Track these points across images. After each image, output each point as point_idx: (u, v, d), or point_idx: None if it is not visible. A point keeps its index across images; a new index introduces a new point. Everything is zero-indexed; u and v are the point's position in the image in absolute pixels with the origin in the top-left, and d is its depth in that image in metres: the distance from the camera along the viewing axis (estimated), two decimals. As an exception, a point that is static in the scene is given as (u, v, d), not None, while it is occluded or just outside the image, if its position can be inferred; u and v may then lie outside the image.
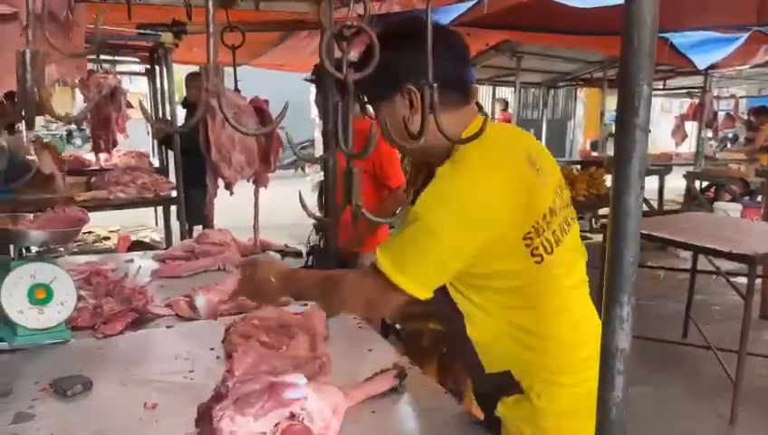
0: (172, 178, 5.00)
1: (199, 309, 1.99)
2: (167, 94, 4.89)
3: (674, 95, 11.09)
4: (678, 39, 5.49)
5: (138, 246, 5.51)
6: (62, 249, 4.91)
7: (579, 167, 7.17)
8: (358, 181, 1.05)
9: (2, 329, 1.76)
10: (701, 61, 5.94)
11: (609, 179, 6.04)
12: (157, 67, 5.54)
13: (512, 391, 1.36)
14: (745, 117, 9.87)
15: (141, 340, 1.85)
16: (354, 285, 1.35)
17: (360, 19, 0.96)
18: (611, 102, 9.14)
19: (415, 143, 1.06)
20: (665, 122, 12.81)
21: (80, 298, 1.92)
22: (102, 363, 1.66)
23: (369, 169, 2.98)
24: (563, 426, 1.34)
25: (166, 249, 3.31)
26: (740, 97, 11.28)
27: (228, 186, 2.70)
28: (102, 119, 5.22)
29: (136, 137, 6.39)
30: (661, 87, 8.72)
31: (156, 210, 6.97)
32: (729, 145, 11.40)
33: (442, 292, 1.32)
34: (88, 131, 6.78)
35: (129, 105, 5.59)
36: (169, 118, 4.51)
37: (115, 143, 5.52)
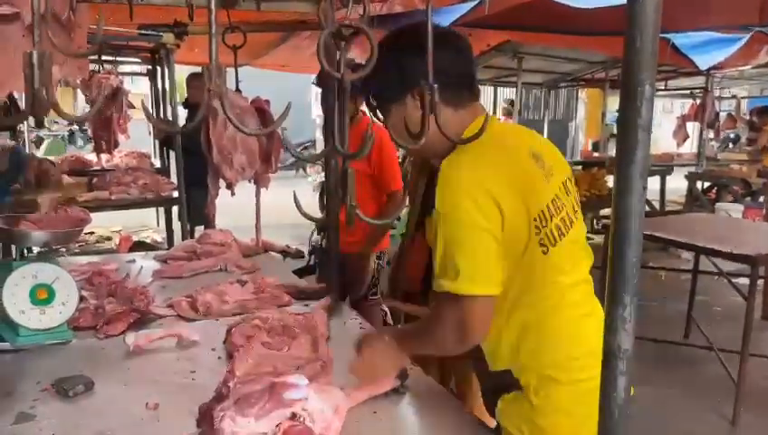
0: (173, 178, 5.01)
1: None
2: (168, 95, 4.90)
3: (675, 96, 11.07)
4: (680, 39, 5.49)
5: (139, 246, 5.52)
6: (63, 250, 4.92)
7: (580, 167, 7.16)
8: (353, 182, 1.05)
9: (4, 329, 1.76)
10: (703, 61, 5.93)
11: (610, 180, 6.05)
12: (158, 68, 5.55)
13: (512, 389, 1.37)
14: (747, 117, 9.85)
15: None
16: (439, 321, 1.34)
17: (359, 19, 0.97)
18: (613, 103, 9.14)
19: (419, 143, 1.08)
20: (666, 123, 12.80)
21: (81, 298, 1.92)
22: (104, 364, 1.66)
23: (369, 171, 2.98)
24: (561, 424, 1.34)
25: (167, 250, 3.31)
26: (741, 97, 11.27)
27: (230, 186, 2.70)
28: (104, 119, 5.24)
29: (137, 137, 6.40)
30: (663, 87, 8.71)
31: (157, 211, 6.98)
32: (731, 146, 11.39)
33: None
34: (90, 132, 6.78)
35: (131, 106, 5.60)
36: (171, 118, 4.52)
37: (117, 144, 5.53)
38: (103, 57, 5.11)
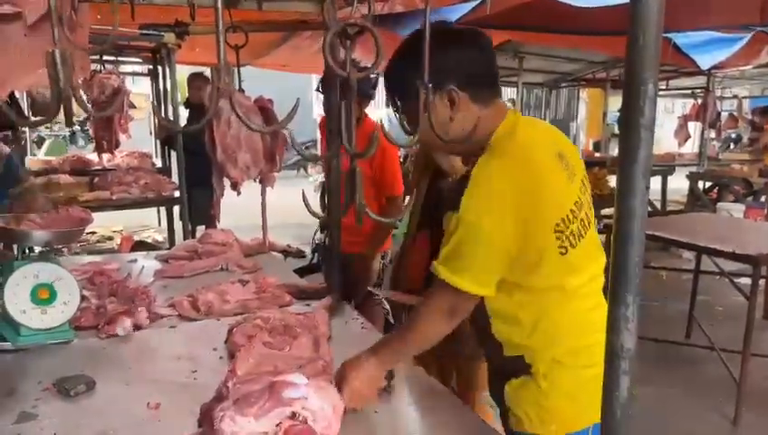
0: (175, 178, 5.01)
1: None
2: (169, 95, 4.90)
3: (677, 95, 11.05)
4: (681, 39, 5.48)
5: (140, 246, 5.52)
6: (65, 249, 4.92)
7: (582, 167, 7.14)
8: (361, 181, 1.05)
9: (5, 329, 1.76)
10: (704, 61, 5.92)
11: (612, 180, 6.03)
12: (159, 67, 5.54)
13: (521, 374, 1.41)
14: (750, 118, 9.83)
15: (144, 340, 1.85)
16: (428, 308, 1.39)
17: (363, 18, 0.96)
18: (614, 103, 9.13)
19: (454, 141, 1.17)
20: (668, 123, 12.77)
21: (83, 298, 1.92)
22: (105, 363, 1.66)
23: (370, 174, 2.98)
24: (566, 408, 1.38)
25: (169, 249, 3.31)
26: (743, 97, 11.25)
27: (235, 186, 2.70)
28: (105, 119, 5.23)
29: (138, 137, 6.41)
30: (664, 87, 8.69)
31: (158, 210, 6.99)
32: (732, 146, 11.37)
33: None
34: (91, 132, 6.78)
35: (132, 106, 5.60)
36: (172, 118, 4.51)
37: (118, 143, 5.53)
38: (104, 57, 5.12)
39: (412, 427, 1.43)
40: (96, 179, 4.94)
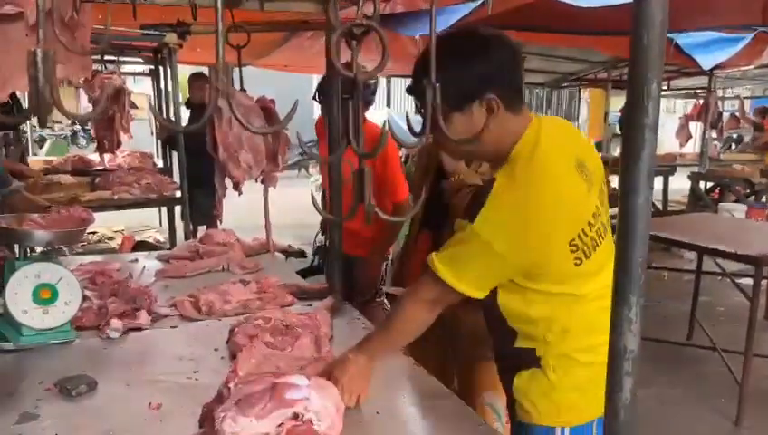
0: (176, 178, 5.01)
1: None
2: (171, 95, 4.89)
3: (678, 96, 11.04)
4: (683, 39, 5.46)
5: (142, 246, 5.52)
6: (66, 249, 4.92)
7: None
8: (370, 181, 1.04)
9: (6, 329, 1.76)
10: (706, 61, 5.90)
11: (613, 180, 6.02)
12: (161, 68, 5.55)
13: (530, 366, 1.42)
14: (753, 118, 9.83)
15: (146, 340, 1.84)
16: (412, 298, 1.43)
17: (365, 18, 0.96)
18: (615, 103, 9.13)
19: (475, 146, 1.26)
20: (669, 123, 12.76)
21: (84, 298, 1.92)
22: (107, 363, 1.66)
23: (374, 180, 2.95)
24: (574, 401, 1.40)
25: (170, 249, 3.31)
26: (744, 97, 11.23)
27: (236, 185, 2.70)
28: (107, 119, 5.23)
29: (140, 137, 6.41)
30: (666, 87, 8.68)
31: (160, 210, 6.99)
32: (734, 146, 11.36)
33: None
34: (92, 132, 6.79)
35: (134, 106, 5.60)
36: (173, 118, 4.52)
37: (119, 143, 5.53)
38: (106, 57, 5.12)
39: (414, 428, 1.43)
40: (97, 179, 4.93)
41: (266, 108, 2.67)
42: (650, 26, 0.76)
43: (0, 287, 1.76)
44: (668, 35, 5.22)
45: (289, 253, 3.37)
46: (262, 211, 2.86)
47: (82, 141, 15.04)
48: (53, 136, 13.80)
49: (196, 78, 5.50)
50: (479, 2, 3.58)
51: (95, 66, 4.80)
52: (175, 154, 5.21)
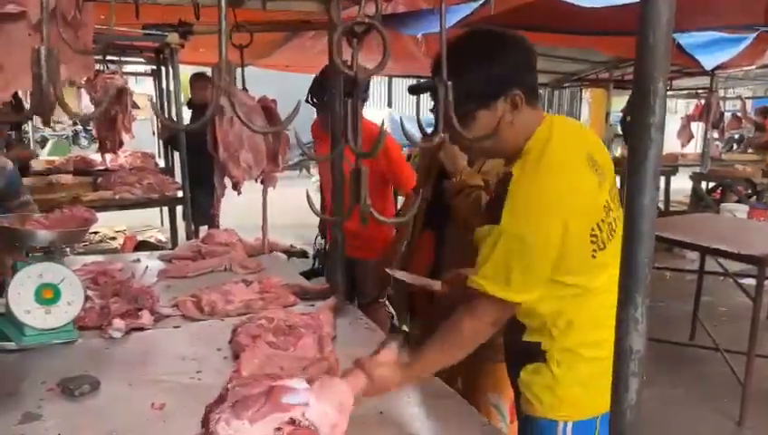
0: (178, 178, 5.01)
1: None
2: (172, 95, 4.89)
3: (680, 96, 11.03)
4: (685, 39, 5.45)
5: (143, 246, 5.52)
6: (68, 249, 4.92)
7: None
8: (366, 181, 1.04)
9: (9, 329, 1.76)
10: (708, 61, 5.89)
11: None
12: (162, 68, 5.54)
13: (536, 360, 1.44)
14: (754, 117, 9.82)
15: (148, 340, 1.84)
16: (473, 324, 1.38)
17: (365, 17, 0.96)
18: (617, 103, 9.11)
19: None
20: (671, 123, 12.73)
21: (87, 298, 1.93)
22: (110, 363, 1.66)
23: (380, 177, 2.95)
24: (578, 396, 1.42)
25: (172, 249, 3.31)
26: (746, 98, 11.22)
27: (236, 185, 2.70)
28: (108, 119, 5.23)
29: (141, 137, 6.41)
30: (667, 87, 8.67)
31: (161, 210, 6.99)
32: (735, 146, 11.34)
33: None
34: (94, 132, 6.79)
35: (135, 106, 5.60)
36: (175, 118, 4.52)
37: (121, 143, 5.53)
38: (108, 57, 5.12)
39: (417, 427, 1.43)
40: (99, 179, 4.94)
41: (267, 108, 2.66)
42: (657, 25, 0.76)
43: (1, 287, 1.76)
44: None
45: (291, 253, 3.37)
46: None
47: (84, 141, 15.05)
48: (55, 136, 13.80)
49: (197, 78, 5.50)
50: (481, 1, 3.57)
51: (97, 66, 4.81)
52: (176, 154, 5.20)
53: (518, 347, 1.49)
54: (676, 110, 15.12)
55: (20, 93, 4.17)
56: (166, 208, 5.74)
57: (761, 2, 4.22)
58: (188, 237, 4.38)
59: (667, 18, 0.75)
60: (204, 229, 4.68)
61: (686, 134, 9.95)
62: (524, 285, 1.33)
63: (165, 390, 1.49)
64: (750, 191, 7.52)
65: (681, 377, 3.94)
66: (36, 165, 5.70)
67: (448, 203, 2.09)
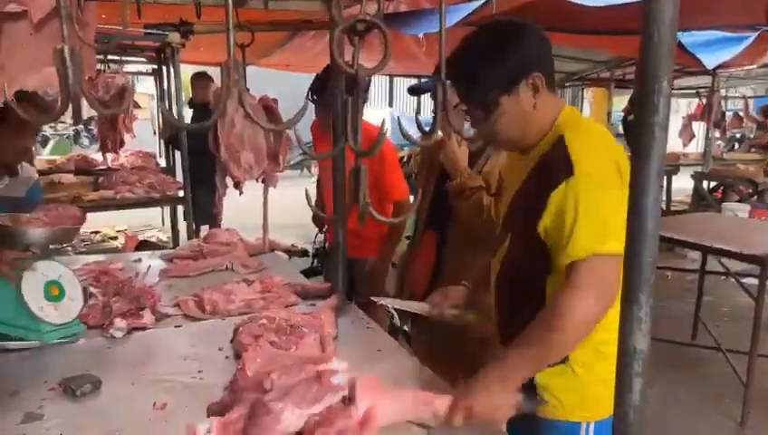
0: (179, 177, 5.01)
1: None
2: (173, 94, 4.89)
3: (681, 95, 11.01)
4: (687, 38, 5.45)
5: (145, 245, 5.53)
6: (69, 248, 4.93)
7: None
8: (366, 180, 1.04)
9: (25, 328, 1.75)
10: (709, 60, 5.89)
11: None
12: (163, 67, 5.54)
13: (555, 362, 1.40)
14: (758, 117, 9.81)
15: (150, 340, 1.84)
16: (577, 293, 1.26)
17: (365, 15, 0.95)
18: (618, 103, 9.10)
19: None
20: (672, 122, 12.70)
21: (90, 295, 1.94)
22: (111, 363, 1.66)
23: (372, 180, 2.93)
24: (602, 394, 1.36)
25: (173, 249, 3.31)
26: (748, 97, 11.21)
27: (237, 185, 2.70)
28: (110, 119, 5.24)
29: (142, 137, 6.41)
30: (669, 87, 8.65)
31: (163, 210, 6.99)
32: (737, 145, 11.33)
33: (537, 246, 1.38)
34: (95, 131, 6.79)
35: (137, 105, 5.60)
36: (177, 118, 4.51)
37: (122, 143, 5.53)
38: (109, 56, 5.12)
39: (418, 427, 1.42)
40: (100, 179, 4.95)
41: (269, 107, 2.66)
42: (661, 23, 0.75)
43: None
44: (672, 34, 5.20)
45: (292, 252, 3.36)
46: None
47: (85, 141, 15.04)
48: (57, 135, 13.81)
49: (198, 77, 5.50)
50: (482, 1, 3.57)
51: (98, 65, 4.81)
52: (177, 154, 5.21)
53: None
54: (678, 109, 15.10)
55: (40, 93, 4.17)
56: (167, 208, 5.75)
57: (762, 1, 4.21)
58: (189, 237, 4.39)
59: (671, 17, 0.75)
60: (205, 229, 4.68)
61: (687, 133, 9.95)
62: (618, 233, 1.09)
63: (166, 389, 1.49)
64: (751, 191, 7.51)
65: (683, 377, 3.93)
66: (38, 164, 5.70)
67: (451, 204, 2.09)
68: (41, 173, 5.15)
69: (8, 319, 1.76)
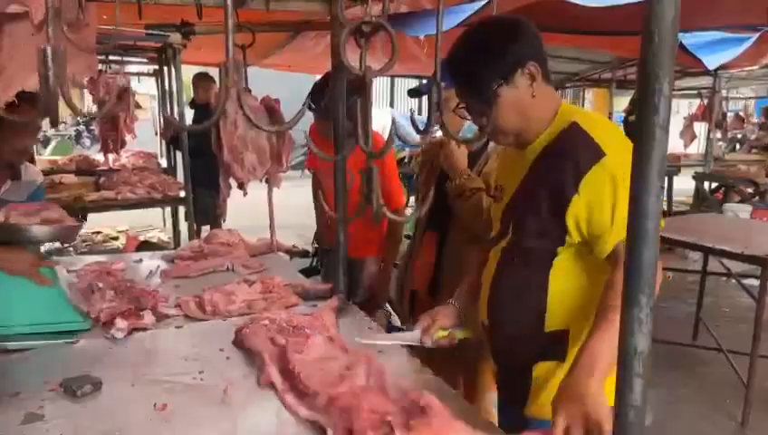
0: (180, 178, 5.01)
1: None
2: (175, 95, 4.90)
3: (683, 96, 11.01)
4: (688, 39, 5.45)
5: (146, 246, 5.53)
6: (71, 249, 4.93)
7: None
8: (377, 181, 1.04)
9: (72, 321, 1.81)
10: (711, 61, 5.88)
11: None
12: (165, 68, 5.55)
13: (554, 357, 1.41)
14: (760, 119, 9.81)
15: (151, 340, 1.84)
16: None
17: (370, 16, 0.95)
18: (619, 103, 9.09)
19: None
20: (673, 123, 12.69)
21: (92, 291, 1.95)
22: (112, 364, 1.66)
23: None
24: (606, 389, 1.34)
25: (174, 249, 3.31)
26: (749, 98, 11.21)
27: (241, 186, 2.70)
28: (111, 119, 5.25)
29: (144, 137, 6.42)
30: (670, 87, 8.64)
31: (164, 210, 7.00)
32: (738, 146, 11.32)
33: (549, 235, 1.40)
34: (96, 132, 6.80)
35: (138, 106, 5.61)
36: (178, 118, 4.52)
37: (123, 144, 5.54)
38: (110, 57, 5.13)
39: (420, 428, 1.42)
40: (102, 179, 4.95)
41: (271, 108, 2.66)
42: (662, 24, 0.75)
43: None
44: (673, 35, 5.20)
45: (293, 253, 3.36)
46: (265, 211, 2.85)
47: (87, 141, 15.04)
48: (58, 136, 13.81)
49: (200, 78, 5.51)
50: (484, 2, 3.57)
51: (99, 66, 4.81)
52: (179, 154, 5.21)
53: (538, 341, 1.45)
54: (679, 110, 15.08)
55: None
56: (168, 208, 5.76)
57: (763, 2, 4.21)
58: (191, 237, 4.39)
59: (672, 17, 0.75)
60: (206, 229, 4.69)
61: (688, 134, 9.95)
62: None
63: (167, 390, 1.49)
64: (753, 191, 7.51)
65: (683, 378, 3.93)
66: (39, 165, 5.70)
67: (450, 204, 2.10)
68: (42, 173, 5.18)
69: (46, 318, 1.78)
